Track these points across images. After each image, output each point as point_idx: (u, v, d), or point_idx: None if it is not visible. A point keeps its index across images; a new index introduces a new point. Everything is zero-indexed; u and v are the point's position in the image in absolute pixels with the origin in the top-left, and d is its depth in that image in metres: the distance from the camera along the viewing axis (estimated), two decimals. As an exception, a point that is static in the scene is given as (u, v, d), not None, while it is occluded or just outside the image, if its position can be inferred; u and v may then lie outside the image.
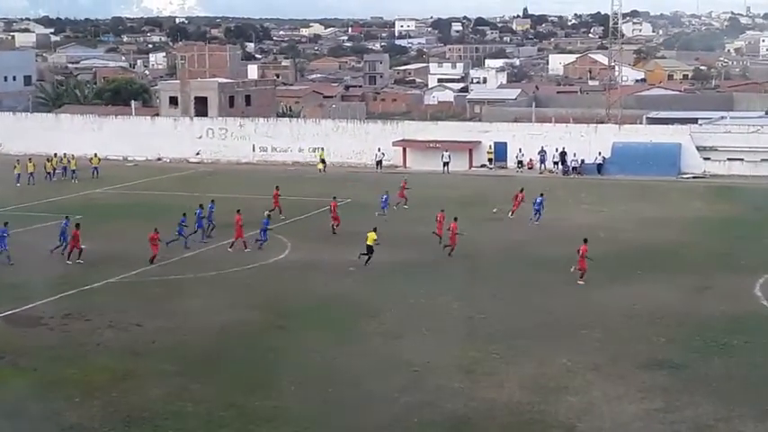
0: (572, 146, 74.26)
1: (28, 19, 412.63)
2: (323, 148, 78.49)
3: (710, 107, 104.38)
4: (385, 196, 55.40)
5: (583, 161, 73.17)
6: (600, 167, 73.25)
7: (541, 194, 52.39)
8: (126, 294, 38.70)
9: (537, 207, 52.01)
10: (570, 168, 73.33)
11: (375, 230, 43.83)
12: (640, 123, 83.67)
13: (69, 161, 73.73)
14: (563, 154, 74.22)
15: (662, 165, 70.59)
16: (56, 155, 74.67)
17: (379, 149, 76.98)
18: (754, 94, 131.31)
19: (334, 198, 51.20)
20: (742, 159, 72.22)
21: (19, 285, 39.51)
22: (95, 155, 75.32)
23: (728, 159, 72.41)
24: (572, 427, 25.04)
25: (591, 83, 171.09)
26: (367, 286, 39.72)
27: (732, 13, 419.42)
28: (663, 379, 28.40)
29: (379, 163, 76.58)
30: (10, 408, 26.25)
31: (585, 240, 41.04)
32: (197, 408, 26.37)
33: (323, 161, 76.51)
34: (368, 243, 43.18)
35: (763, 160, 70.87)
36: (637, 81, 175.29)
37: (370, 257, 42.97)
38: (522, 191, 54.47)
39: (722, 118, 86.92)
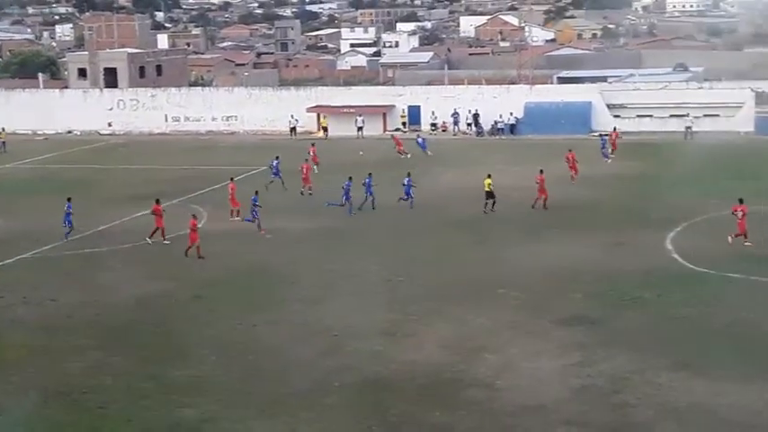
0: (486, 107, 74.68)
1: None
2: (325, 116, 77.34)
3: (619, 65, 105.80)
4: (275, 162, 54.85)
5: (506, 123, 73.47)
6: (513, 128, 73.83)
7: (408, 174, 49.37)
8: (39, 270, 38.21)
9: (407, 188, 48.64)
10: (494, 129, 73.63)
11: (489, 176, 46.13)
12: (551, 83, 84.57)
13: (-24, 136, 72.28)
14: (476, 116, 74.61)
15: (574, 123, 71.36)
16: (-38, 131, 73.15)
17: (292, 116, 76.64)
18: (662, 51, 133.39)
19: (232, 179, 49.00)
20: (651, 116, 73.29)
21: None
22: (2, 129, 73.96)
23: (638, 116, 73.47)
24: (491, 384, 25.35)
25: (502, 44, 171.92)
26: (284, 253, 39.67)
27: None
28: (579, 334, 28.86)
29: (293, 130, 76.27)
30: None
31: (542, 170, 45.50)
32: (117, 381, 26.20)
33: (325, 129, 75.44)
34: (486, 190, 45.73)
35: (671, 116, 71.97)
36: (547, 41, 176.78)
37: (494, 202, 45.79)
38: (570, 151, 54.03)
39: (631, 75, 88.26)
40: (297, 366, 26.98)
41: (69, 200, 43.17)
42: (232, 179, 48.30)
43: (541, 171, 46.80)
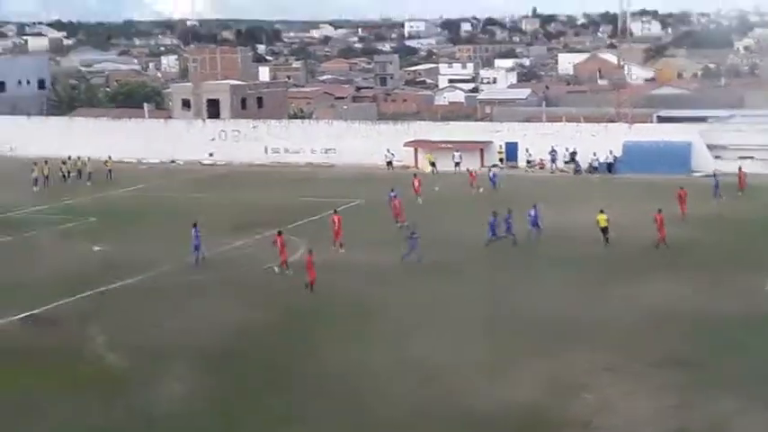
0: (583, 145, 74.42)
1: (40, 23, 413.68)
2: (431, 152, 77.42)
3: (720, 105, 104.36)
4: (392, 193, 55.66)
5: (604, 161, 73.25)
6: (610, 166, 73.41)
7: (534, 206, 49.38)
8: (143, 296, 39.07)
9: (534, 220, 48.67)
10: (591, 167, 73.38)
11: (602, 212, 47.21)
12: (651, 122, 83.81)
13: (84, 164, 74.26)
14: (573, 153, 74.42)
15: (673, 163, 70.60)
16: (70, 157, 75.18)
17: (388, 150, 77.26)
18: (764, 91, 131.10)
19: (335, 211, 49.48)
20: (752, 157, 72.21)
21: (36, 287, 39.90)
22: (109, 157, 75.81)
23: (739, 158, 72.41)
24: (587, 424, 25.29)
25: (600, 82, 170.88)
26: (381, 286, 39.96)
27: (740, 10, 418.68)
28: (677, 376, 28.59)
29: (389, 163, 76.90)
30: (27, 405, 26.61)
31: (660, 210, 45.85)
32: (215, 407, 26.70)
33: (433, 164, 76.06)
34: (601, 226, 46.68)
35: (774, 158, 70.87)
36: (646, 80, 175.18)
37: (607, 238, 46.66)
38: (682, 189, 54.36)
39: (732, 116, 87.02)
40: (392, 399, 27.18)
41: (195, 225, 44.10)
42: (335, 210, 48.76)
43: (660, 210, 46.57)
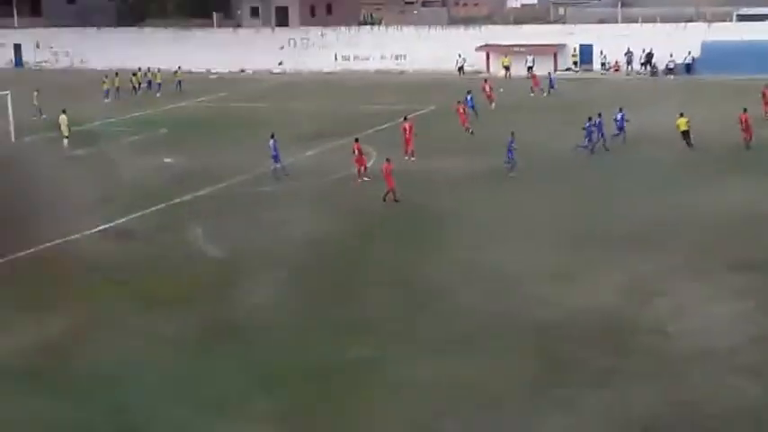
0: (660, 46, 72.64)
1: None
2: (507, 55, 76.19)
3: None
4: (469, 96, 55.06)
5: (682, 62, 71.51)
6: (689, 67, 71.64)
7: (620, 109, 48.56)
8: (215, 207, 39.10)
9: (620, 123, 47.90)
10: (667, 69, 71.68)
11: (682, 115, 45.86)
12: (730, 21, 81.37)
13: (154, 75, 74.36)
14: (649, 55, 72.67)
15: (754, 63, 68.58)
16: (140, 69, 75.31)
17: (459, 55, 76.20)
18: None
19: (405, 118, 48.43)
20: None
21: (110, 200, 40.12)
22: (179, 68, 75.80)
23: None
24: (662, 330, 24.83)
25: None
26: (452, 194, 39.57)
27: None
28: (755, 280, 27.96)
29: (460, 69, 75.86)
30: (108, 321, 26.85)
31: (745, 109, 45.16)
32: (289, 318, 26.68)
33: (506, 68, 75.11)
34: (682, 129, 45.46)
35: None
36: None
37: (688, 141, 45.55)
38: (767, 86, 53.08)
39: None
40: (464, 309, 26.94)
41: (273, 136, 43.56)
42: (405, 118, 48.04)
43: (745, 110, 45.65)
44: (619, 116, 47.58)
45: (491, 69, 75.92)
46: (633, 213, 35.62)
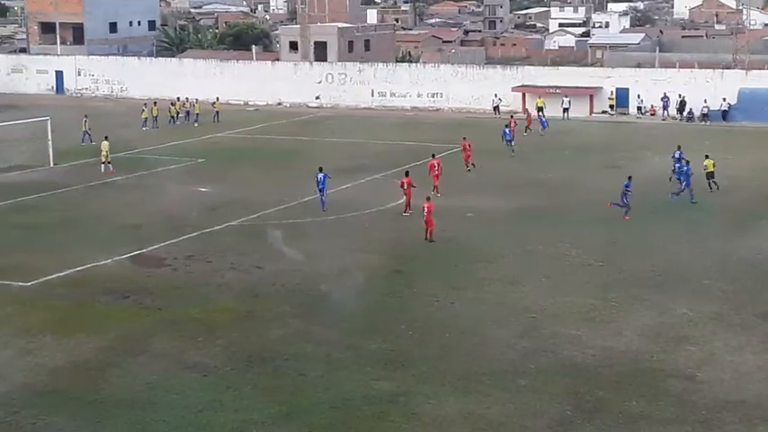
0: (697, 92, 72.58)
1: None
2: (541, 96, 75.49)
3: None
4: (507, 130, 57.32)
5: (718, 109, 71.34)
6: (725, 114, 71.47)
7: (678, 147, 49.47)
8: (247, 237, 39.32)
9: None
10: (701, 115, 71.52)
11: (708, 157, 46.61)
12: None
13: (192, 105, 75.03)
14: (683, 102, 72.63)
15: (791, 111, 68.49)
16: (179, 99, 76.04)
17: (495, 95, 76.46)
18: None
19: (434, 156, 48.45)
20: None
21: (143, 227, 40.47)
22: (217, 99, 76.50)
23: None
24: (692, 376, 24.70)
25: (717, 27, 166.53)
26: (484, 232, 39.63)
27: None
28: (787, 330, 27.81)
29: (496, 108, 76.09)
30: (136, 346, 27.02)
31: None
32: (316, 349, 26.73)
33: (540, 109, 74.63)
34: (708, 170, 46.07)
35: None
36: (765, 25, 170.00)
37: (713, 181, 46.11)
38: None
39: None
40: (493, 346, 26.94)
41: (321, 169, 43.59)
42: (434, 155, 48.22)
43: None
44: (677, 154, 47.40)
45: (527, 109, 75.96)
46: (668, 256, 35.52)
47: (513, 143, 57.95)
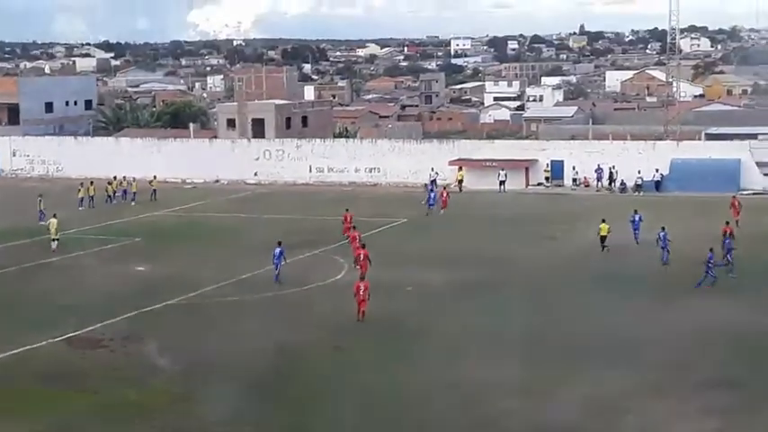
0: (630, 163, 73.73)
1: (88, 44, 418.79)
2: (461, 169, 77.33)
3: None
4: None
5: (651, 179, 72.56)
6: (658, 185, 72.62)
7: (635, 211, 52.70)
8: (185, 316, 39.00)
9: (636, 226, 51.56)
10: (634, 185, 72.64)
11: (604, 221, 49.84)
12: (699, 140, 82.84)
13: (129, 184, 74.63)
14: (610, 173, 73.90)
15: (722, 181, 69.64)
16: (115, 178, 75.60)
17: (432, 169, 77.02)
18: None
19: (354, 227, 50.27)
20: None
21: (80, 307, 39.96)
22: (154, 177, 76.18)
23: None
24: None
25: (649, 99, 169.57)
26: (424, 306, 39.68)
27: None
28: (723, 398, 28.03)
29: (433, 182, 76.55)
30: (69, 427, 26.54)
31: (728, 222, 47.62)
32: (257, 429, 26.46)
33: (459, 182, 75.70)
34: (601, 234, 49.27)
35: (825, 176, 69.79)
36: (695, 97, 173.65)
37: (604, 245, 49.21)
38: (734, 197, 57.81)
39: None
40: (435, 421, 26.88)
41: (280, 244, 44.50)
42: (354, 227, 48.55)
43: (727, 223, 47.81)
44: (662, 234, 47.66)
45: (464, 183, 76.51)
46: (606, 326, 35.76)
47: (433, 207, 62.73)
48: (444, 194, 65.06)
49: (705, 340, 33.94)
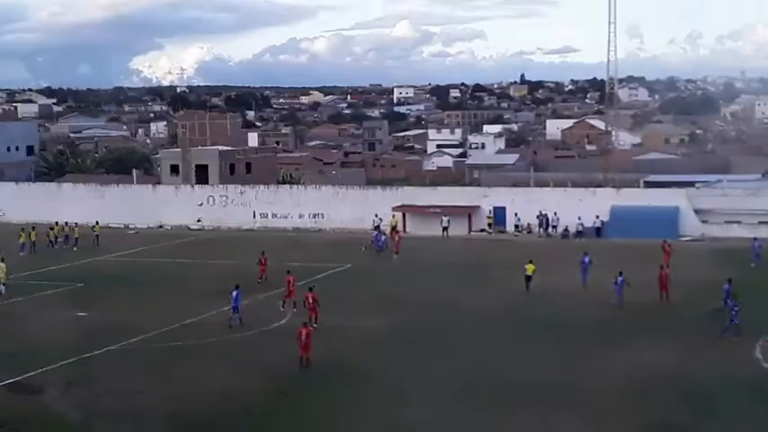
0: (571, 210, 74.61)
1: (30, 90, 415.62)
2: (394, 215, 77.78)
3: (707, 171, 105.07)
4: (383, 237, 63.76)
5: (591, 226, 73.51)
6: (599, 231, 73.55)
7: (585, 252, 54.64)
8: (127, 361, 38.78)
9: (585, 267, 53.46)
10: (575, 232, 73.52)
11: (532, 262, 51.77)
12: (638, 187, 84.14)
13: (71, 229, 74.12)
14: (546, 218, 74.81)
15: (661, 227, 70.52)
16: (57, 223, 75.05)
17: (376, 215, 77.37)
18: (751, 157, 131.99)
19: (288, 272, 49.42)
20: (740, 222, 72.49)
21: (20, 354, 39.59)
22: (96, 223, 75.75)
23: (726, 222, 72.76)
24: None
25: (588, 147, 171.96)
26: (366, 350, 39.78)
27: (727, 77, 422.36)
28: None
29: (377, 228, 76.88)
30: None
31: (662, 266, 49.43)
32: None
33: (394, 227, 75.89)
34: (527, 273, 51.22)
35: (761, 222, 71.08)
36: (634, 145, 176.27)
37: (528, 285, 51.16)
38: (665, 240, 59.77)
39: (719, 181, 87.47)
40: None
41: (237, 287, 44.93)
42: (288, 272, 48.73)
43: (662, 267, 49.65)
44: (620, 280, 48.17)
45: (407, 229, 76.91)
46: (550, 372, 36.05)
47: (381, 249, 65.84)
48: (397, 238, 66.36)
49: (641, 386, 34.26)
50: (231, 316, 44.49)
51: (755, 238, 62.62)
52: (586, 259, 53.61)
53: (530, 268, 51.65)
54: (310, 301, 43.86)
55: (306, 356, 37.35)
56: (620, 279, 47.97)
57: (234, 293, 44.55)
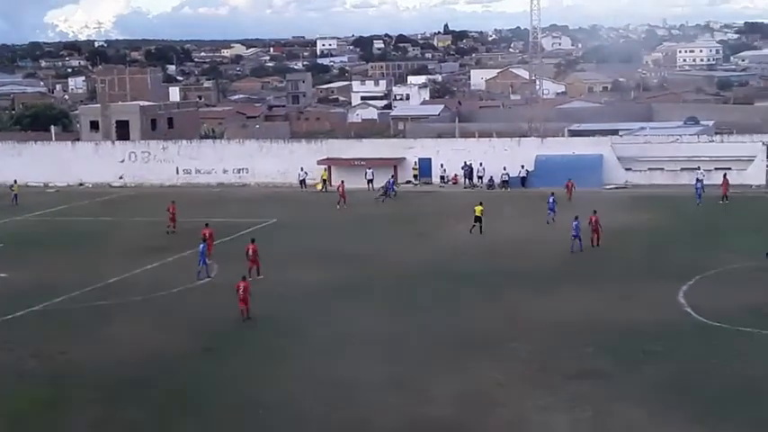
0: (496, 160, 74.81)
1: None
2: (325, 169, 77.78)
3: (630, 118, 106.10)
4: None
5: (517, 175, 73.77)
6: (524, 180, 73.85)
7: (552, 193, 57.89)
8: (50, 322, 38.07)
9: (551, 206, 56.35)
10: (501, 182, 73.75)
11: (481, 204, 53.67)
12: (562, 136, 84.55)
13: (-11, 189, 72.60)
14: (470, 168, 75.02)
15: (585, 176, 71.12)
16: (-26, 183, 73.49)
17: (301, 169, 76.87)
18: (673, 104, 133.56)
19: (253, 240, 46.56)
20: (662, 169, 73.33)
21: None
22: (15, 181, 74.24)
23: (649, 169, 73.54)
24: (503, 439, 25.10)
25: (513, 97, 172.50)
26: (294, 306, 39.49)
27: (649, 25, 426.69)
28: (592, 388, 28.61)
29: (302, 182, 76.47)
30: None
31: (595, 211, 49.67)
32: (125, 435, 26.00)
33: (324, 181, 75.74)
34: (476, 215, 52.79)
35: (682, 169, 71.95)
36: (558, 94, 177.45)
37: (480, 226, 52.58)
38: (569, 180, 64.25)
39: (642, 129, 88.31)
40: (308, 420, 26.77)
41: (205, 240, 45.72)
42: (253, 240, 47.09)
43: (595, 212, 49.81)
44: (575, 224, 48.41)
45: (333, 182, 76.53)
46: (475, 321, 36.15)
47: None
48: (341, 189, 66.42)
49: (567, 331, 34.54)
50: (199, 269, 44.37)
51: (698, 179, 64.35)
52: (551, 199, 56.86)
53: (478, 209, 53.25)
54: (250, 252, 43.67)
55: (245, 308, 37.11)
56: (575, 224, 48.15)
57: (201, 246, 44.79)
